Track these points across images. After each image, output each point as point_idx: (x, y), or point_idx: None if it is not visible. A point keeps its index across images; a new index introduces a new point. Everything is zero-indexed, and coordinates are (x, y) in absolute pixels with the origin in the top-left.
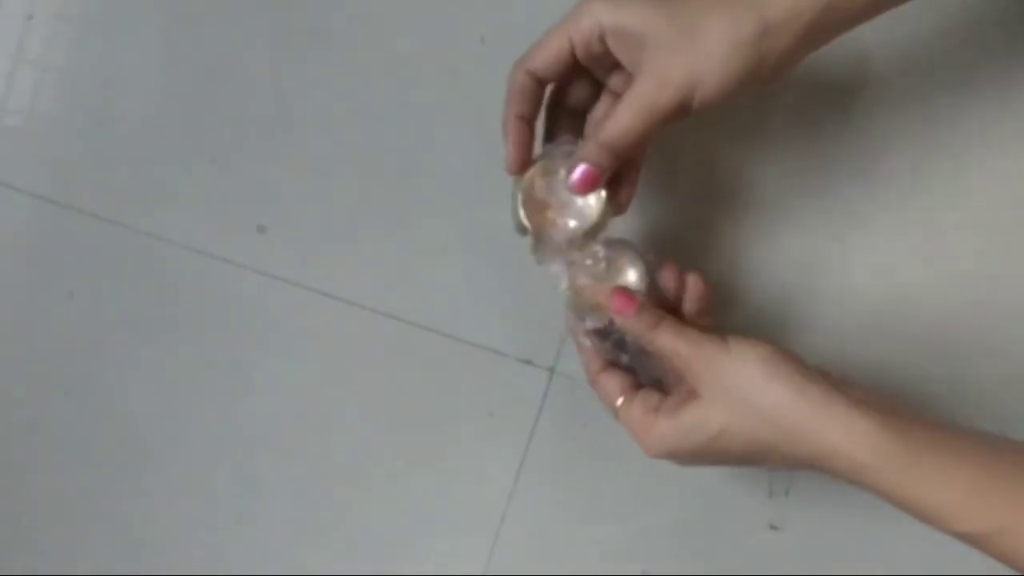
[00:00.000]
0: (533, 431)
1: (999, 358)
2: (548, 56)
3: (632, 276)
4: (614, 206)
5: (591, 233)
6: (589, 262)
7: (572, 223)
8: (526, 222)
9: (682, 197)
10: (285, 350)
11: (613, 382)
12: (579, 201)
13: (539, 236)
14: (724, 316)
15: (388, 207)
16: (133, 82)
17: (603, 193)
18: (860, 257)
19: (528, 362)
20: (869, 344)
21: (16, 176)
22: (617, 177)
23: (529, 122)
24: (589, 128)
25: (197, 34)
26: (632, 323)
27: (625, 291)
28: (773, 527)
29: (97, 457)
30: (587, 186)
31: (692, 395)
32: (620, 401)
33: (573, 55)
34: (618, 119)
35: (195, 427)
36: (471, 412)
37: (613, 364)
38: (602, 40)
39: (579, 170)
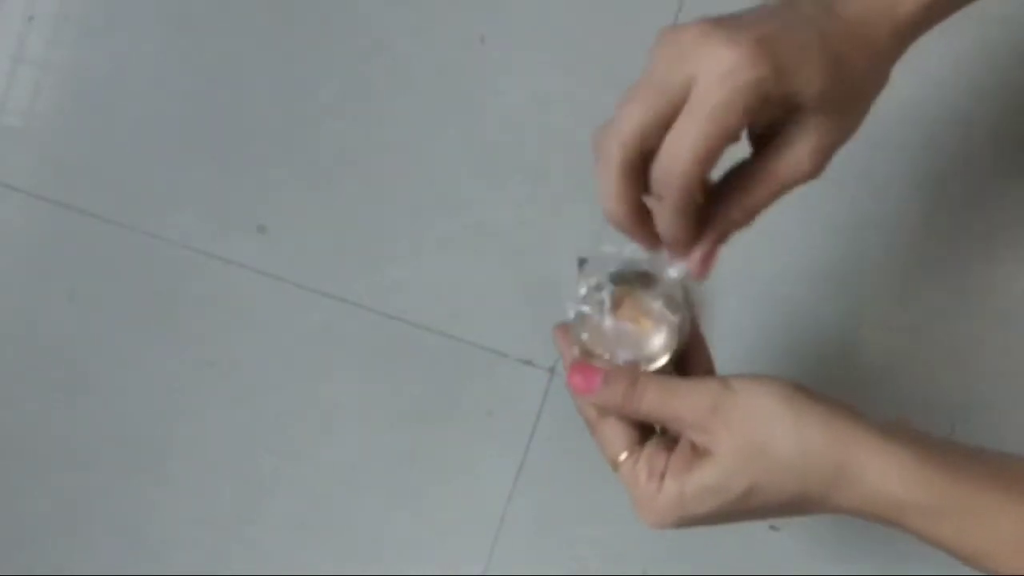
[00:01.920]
0: (533, 431)
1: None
2: (712, 155)
3: (657, 342)
4: (699, 269)
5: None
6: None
7: (625, 355)
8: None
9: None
10: (285, 350)
11: (618, 432)
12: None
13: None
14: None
15: (388, 207)
16: (133, 82)
17: (671, 318)
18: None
19: (528, 362)
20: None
21: (16, 176)
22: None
23: (637, 199)
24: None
25: (197, 34)
26: (603, 398)
27: (582, 366)
28: (773, 527)
29: (97, 457)
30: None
31: (702, 452)
32: (623, 456)
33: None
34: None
35: (195, 427)
36: (471, 412)
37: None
38: (764, 100)
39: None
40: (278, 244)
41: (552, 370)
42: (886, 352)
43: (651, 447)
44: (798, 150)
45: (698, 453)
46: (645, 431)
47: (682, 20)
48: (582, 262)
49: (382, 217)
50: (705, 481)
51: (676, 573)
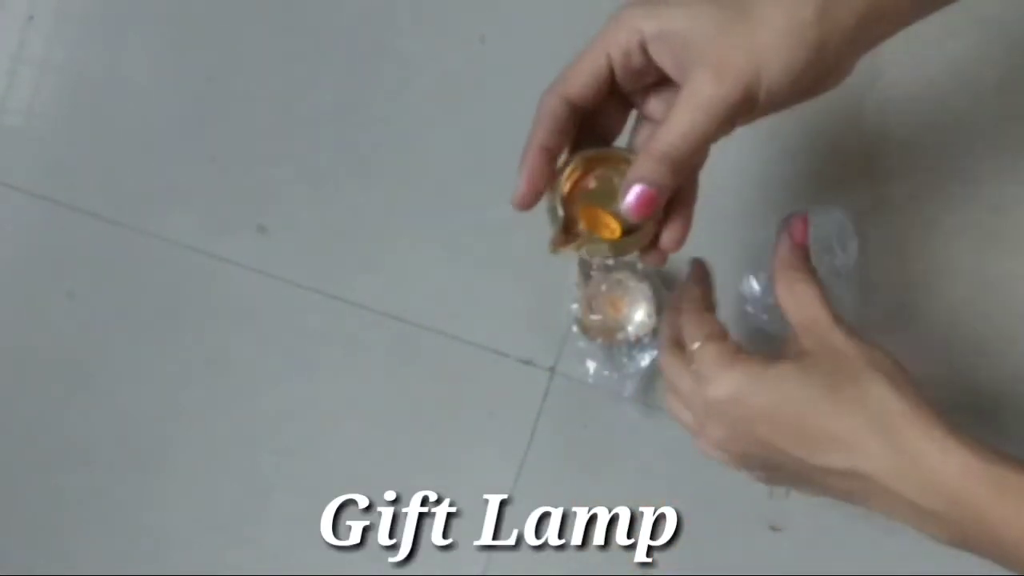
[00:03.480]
0: (533, 431)
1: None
2: (585, 78)
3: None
4: (656, 250)
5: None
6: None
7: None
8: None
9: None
10: (285, 350)
11: (704, 319)
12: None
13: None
14: None
15: (388, 207)
16: (133, 82)
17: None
18: None
19: (528, 362)
20: None
21: (16, 176)
22: (668, 208)
23: (552, 156)
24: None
25: (197, 34)
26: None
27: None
28: (773, 527)
29: (97, 457)
30: (646, 209)
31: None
32: (697, 344)
33: (611, 75)
34: (676, 122)
35: (195, 427)
36: (471, 412)
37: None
38: (643, 50)
39: (634, 192)
40: (278, 244)
41: (552, 370)
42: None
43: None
44: (698, 73)
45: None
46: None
47: None
48: (582, 262)
49: (382, 217)
50: (781, 369)
51: (676, 573)
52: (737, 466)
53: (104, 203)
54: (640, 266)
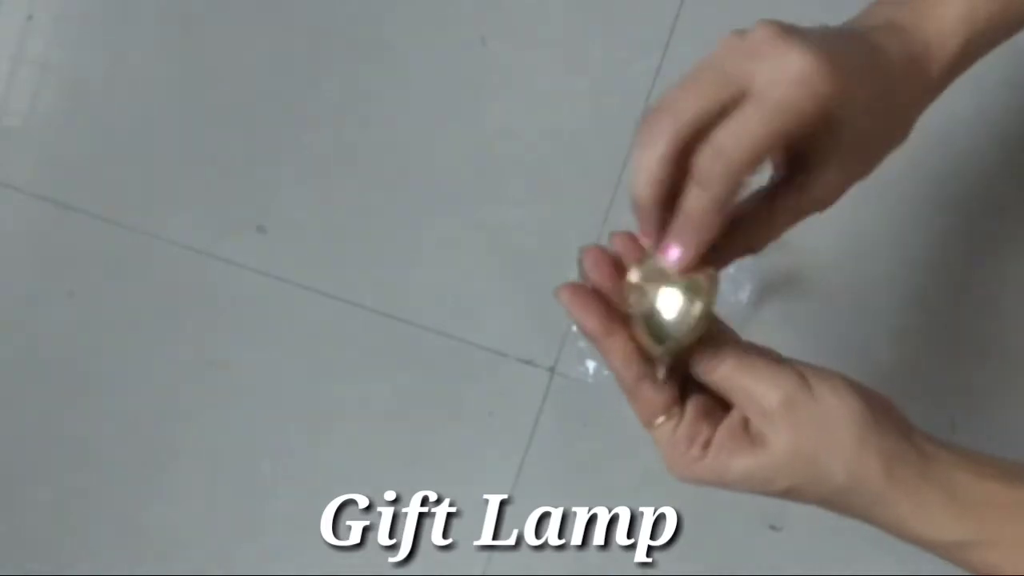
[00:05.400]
0: (533, 431)
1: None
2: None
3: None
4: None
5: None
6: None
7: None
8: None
9: None
10: (286, 350)
11: (656, 395)
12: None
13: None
14: None
15: (388, 207)
16: (133, 82)
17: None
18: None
19: (528, 362)
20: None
21: (16, 176)
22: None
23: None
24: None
25: (197, 34)
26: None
27: None
28: (773, 527)
29: (97, 457)
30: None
31: (754, 438)
32: (660, 420)
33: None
34: (744, 126)
35: (195, 427)
36: (471, 412)
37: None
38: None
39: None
40: (278, 244)
41: (552, 370)
42: (888, 351)
43: (690, 414)
44: (825, 183)
45: (749, 436)
46: (681, 396)
47: (681, 21)
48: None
49: (382, 217)
50: (751, 469)
51: (676, 572)
52: None
53: (104, 203)
54: None
